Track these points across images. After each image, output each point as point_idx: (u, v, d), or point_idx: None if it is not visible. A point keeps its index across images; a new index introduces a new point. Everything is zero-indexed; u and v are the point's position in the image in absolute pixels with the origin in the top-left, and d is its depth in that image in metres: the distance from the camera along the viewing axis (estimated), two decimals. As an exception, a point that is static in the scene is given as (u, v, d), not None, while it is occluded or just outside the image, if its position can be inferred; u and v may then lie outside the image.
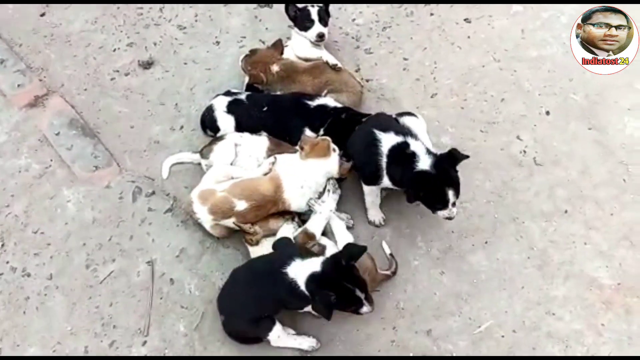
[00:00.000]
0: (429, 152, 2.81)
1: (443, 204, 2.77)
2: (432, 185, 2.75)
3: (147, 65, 3.58)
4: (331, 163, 2.99)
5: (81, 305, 2.91)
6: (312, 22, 3.36)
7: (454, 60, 3.59)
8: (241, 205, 2.89)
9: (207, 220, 2.96)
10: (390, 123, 3.00)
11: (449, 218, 2.83)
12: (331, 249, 2.83)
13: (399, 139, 2.85)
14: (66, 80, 3.55)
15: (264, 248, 2.91)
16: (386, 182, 2.90)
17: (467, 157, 2.78)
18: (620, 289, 2.92)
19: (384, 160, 2.86)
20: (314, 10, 3.36)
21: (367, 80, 3.53)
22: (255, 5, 3.76)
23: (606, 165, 3.25)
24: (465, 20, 3.76)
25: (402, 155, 2.82)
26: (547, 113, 3.42)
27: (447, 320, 2.87)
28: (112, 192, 3.20)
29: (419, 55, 3.60)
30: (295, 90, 3.30)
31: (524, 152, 3.30)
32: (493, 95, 3.43)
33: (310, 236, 2.87)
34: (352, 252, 2.54)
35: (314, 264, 2.53)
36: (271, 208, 2.95)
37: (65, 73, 3.57)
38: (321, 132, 3.12)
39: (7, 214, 3.14)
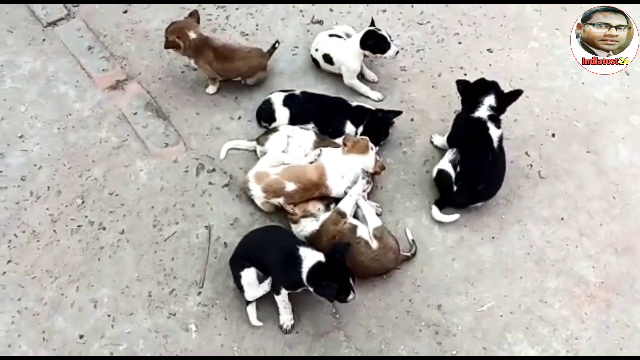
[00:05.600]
0: None
1: None
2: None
3: (213, 63, 4.14)
4: (368, 159, 3.53)
5: (147, 258, 3.43)
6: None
7: (476, 83, 4.15)
8: (290, 186, 3.42)
9: (259, 197, 3.49)
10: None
11: None
12: (361, 228, 3.37)
13: None
14: (143, 69, 4.10)
15: (302, 225, 3.44)
16: None
17: None
18: (603, 287, 3.44)
19: None
20: None
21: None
22: (308, 21, 4.34)
23: (600, 184, 3.77)
24: (488, 50, 4.32)
25: None
26: (553, 135, 3.96)
27: (455, 298, 3.39)
28: (179, 166, 3.73)
29: (446, 76, 4.15)
30: (203, 64, 3.79)
31: (531, 166, 3.84)
32: (507, 116, 3.93)
33: (342, 214, 3.38)
34: (342, 248, 3.05)
35: (319, 255, 3.05)
36: (315, 191, 3.48)
37: (142, 63, 4.13)
38: (360, 128, 3.72)
39: (88, 176, 3.67)
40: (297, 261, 3.03)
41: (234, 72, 3.91)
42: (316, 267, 3.01)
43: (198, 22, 3.80)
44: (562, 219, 3.66)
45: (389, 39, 3.81)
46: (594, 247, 3.57)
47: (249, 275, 3.17)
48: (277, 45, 3.98)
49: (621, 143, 3.94)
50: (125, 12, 4.35)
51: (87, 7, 4.35)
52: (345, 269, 3.01)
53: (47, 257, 3.41)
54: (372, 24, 3.90)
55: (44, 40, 4.19)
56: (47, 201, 3.58)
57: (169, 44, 3.72)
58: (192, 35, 3.71)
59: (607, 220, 3.66)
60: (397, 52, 3.87)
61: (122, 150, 3.77)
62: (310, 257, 3.04)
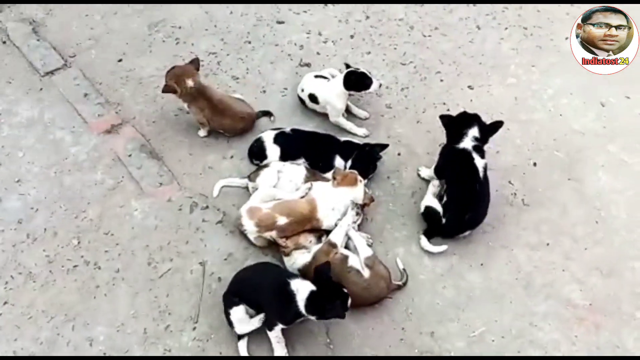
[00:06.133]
0: None
1: None
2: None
3: (205, 105, 4.29)
4: (358, 191, 3.64)
5: (142, 295, 3.48)
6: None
7: (458, 118, 4.31)
8: (282, 220, 3.51)
9: (252, 232, 3.57)
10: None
11: None
12: (352, 258, 3.45)
13: None
14: (137, 113, 4.26)
15: (294, 258, 3.52)
16: None
17: None
18: (592, 309, 3.50)
19: None
20: None
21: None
22: (296, 64, 4.54)
23: (582, 209, 3.89)
24: (468, 86, 4.51)
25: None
26: (535, 164, 4.10)
27: (447, 325, 3.44)
28: (173, 205, 3.83)
29: (430, 112, 4.32)
30: (196, 109, 3.94)
31: (515, 194, 3.96)
32: (490, 147, 4.06)
33: (333, 245, 3.47)
34: (324, 269, 3.13)
35: (309, 284, 3.12)
36: (306, 224, 3.58)
37: (137, 108, 4.28)
38: (349, 162, 3.85)
39: (84, 217, 3.75)
40: (291, 295, 3.10)
41: (218, 125, 4.06)
42: (312, 297, 3.08)
43: (197, 69, 3.92)
44: (548, 244, 3.75)
45: (369, 74, 3.99)
46: (580, 270, 3.65)
47: (237, 312, 3.24)
48: (272, 118, 4.21)
49: (601, 170, 4.08)
50: (120, 60, 4.54)
51: (83, 57, 4.54)
52: (334, 284, 3.12)
53: (43, 298, 3.46)
54: (348, 67, 4.08)
55: (41, 89, 4.35)
56: (44, 243, 3.65)
57: (166, 89, 3.86)
58: (190, 83, 3.84)
59: (591, 244, 3.75)
60: (380, 85, 4.04)
61: (117, 192, 3.87)
62: (302, 289, 3.10)
